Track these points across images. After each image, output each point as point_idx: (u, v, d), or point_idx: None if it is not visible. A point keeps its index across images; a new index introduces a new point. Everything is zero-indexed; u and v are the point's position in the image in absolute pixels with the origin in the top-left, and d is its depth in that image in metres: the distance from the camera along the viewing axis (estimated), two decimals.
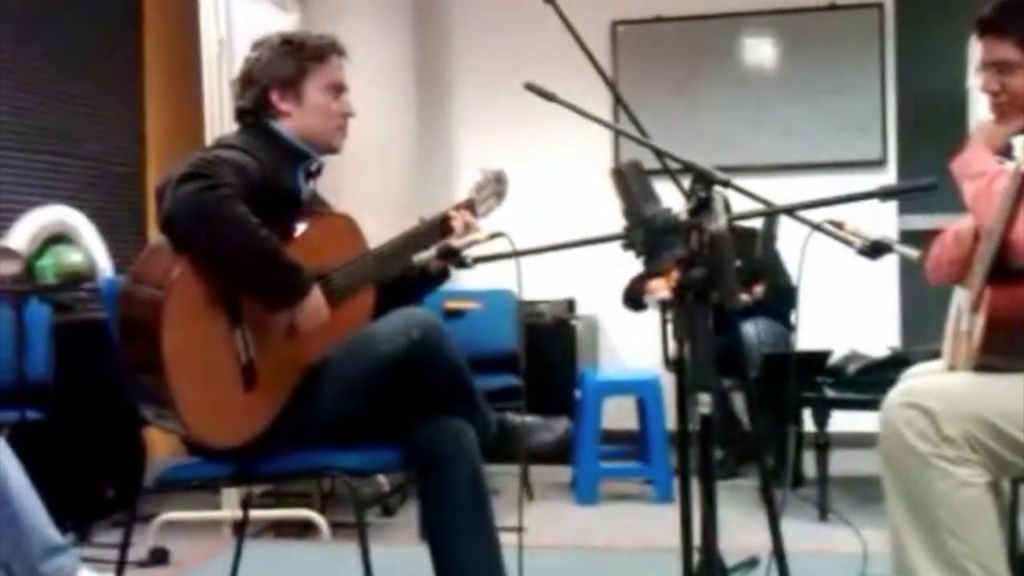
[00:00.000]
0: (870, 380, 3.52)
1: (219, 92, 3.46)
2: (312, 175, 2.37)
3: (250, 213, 2.00)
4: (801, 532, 3.39)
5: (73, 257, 3.79)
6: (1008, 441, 1.86)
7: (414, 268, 2.29)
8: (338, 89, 2.33)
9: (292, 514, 3.64)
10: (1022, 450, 1.87)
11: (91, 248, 3.86)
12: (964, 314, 2.08)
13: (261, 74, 2.29)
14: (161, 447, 4.04)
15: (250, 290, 2.06)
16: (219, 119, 3.46)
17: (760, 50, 5.22)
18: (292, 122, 2.29)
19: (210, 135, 3.44)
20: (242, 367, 2.06)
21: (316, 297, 2.12)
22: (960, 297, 2.16)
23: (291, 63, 2.28)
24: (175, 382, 1.94)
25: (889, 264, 4.83)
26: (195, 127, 3.64)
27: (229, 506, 3.54)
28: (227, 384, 2.04)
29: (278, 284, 2.06)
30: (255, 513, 3.22)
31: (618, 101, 2.22)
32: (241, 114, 2.33)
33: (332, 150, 2.36)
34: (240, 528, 2.80)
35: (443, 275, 2.45)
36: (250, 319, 2.08)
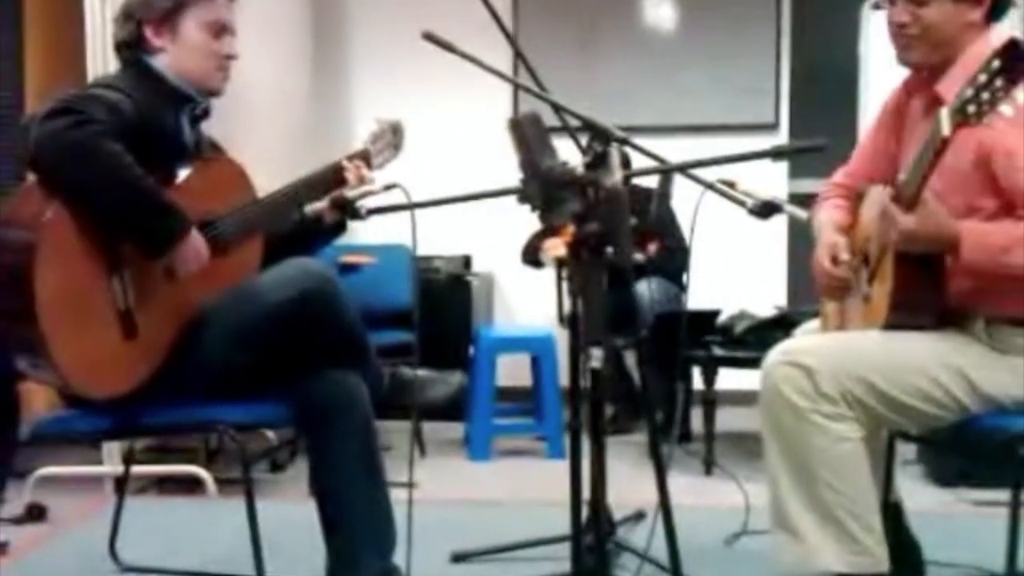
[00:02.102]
0: (757, 339, 3.61)
1: (102, 28, 3.33)
2: (198, 119, 2.29)
3: (124, 152, 1.93)
4: (687, 486, 3.48)
5: None
6: (883, 397, 1.93)
7: (307, 218, 2.25)
8: (220, 29, 2.25)
9: (176, 470, 3.55)
10: (897, 406, 1.94)
11: None
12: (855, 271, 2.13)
13: (138, 7, 2.21)
14: (38, 400, 3.89)
15: (123, 232, 1.99)
16: (102, 57, 3.33)
17: (661, 11, 5.25)
18: (168, 59, 2.22)
19: (92, 72, 3.31)
20: (120, 314, 1.99)
21: (195, 241, 2.06)
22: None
23: None
24: (50, 330, 1.86)
25: (778, 226, 4.95)
26: (76, 63, 3.48)
27: (111, 461, 3.44)
28: (105, 332, 1.97)
29: (153, 226, 1.99)
30: (138, 469, 3.13)
31: (518, 55, 2.19)
32: (119, 49, 2.25)
33: (212, 92, 2.29)
34: (121, 484, 2.73)
35: (339, 227, 2.41)
36: (130, 265, 2.01)
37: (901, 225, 1.85)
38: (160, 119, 2.17)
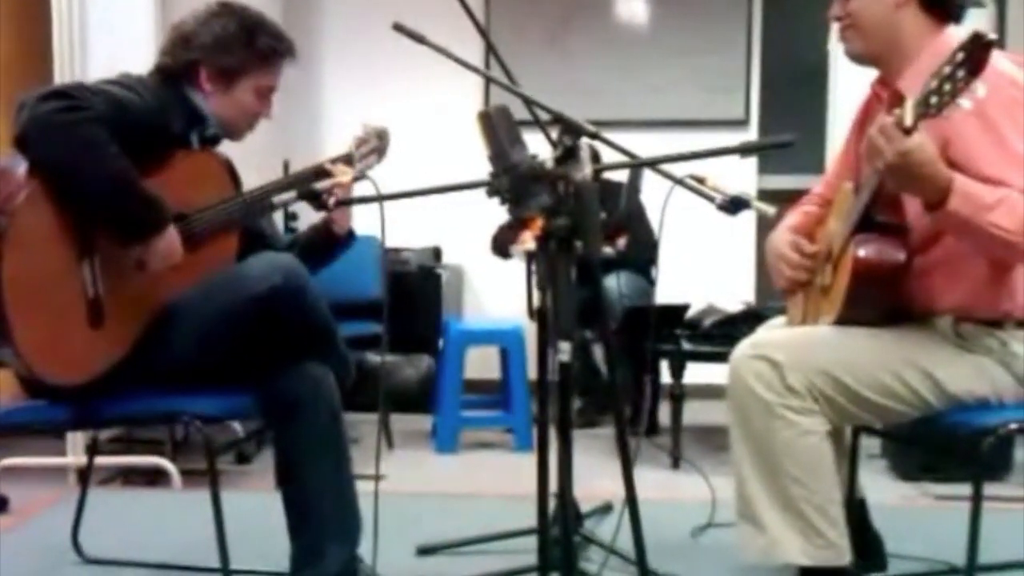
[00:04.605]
0: (724, 333, 3.63)
1: (69, 29, 3.27)
2: (206, 141, 2.28)
3: (112, 141, 1.92)
4: (654, 479, 3.50)
5: None
6: (849, 393, 1.95)
7: (276, 208, 2.24)
8: (269, 92, 2.29)
9: (141, 461, 3.53)
10: (862, 402, 1.96)
11: None
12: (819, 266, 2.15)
13: (200, 46, 2.20)
14: (2, 391, 3.85)
15: (100, 219, 1.98)
16: (68, 58, 3.26)
17: (632, 6, 5.26)
18: (209, 102, 2.23)
19: (59, 73, 3.25)
20: (88, 302, 1.97)
21: (170, 236, 2.05)
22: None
23: (237, 55, 2.21)
24: (13, 312, 1.84)
25: (747, 221, 4.97)
26: (43, 65, 3.43)
27: (74, 452, 3.41)
28: (70, 318, 1.95)
29: (131, 216, 1.99)
30: (102, 460, 3.11)
31: (489, 48, 2.19)
32: (162, 64, 2.24)
33: (232, 138, 2.31)
34: (85, 475, 2.71)
35: (349, 236, 2.46)
36: (102, 252, 2.00)
37: (898, 144, 1.70)
38: (169, 123, 2.16)
